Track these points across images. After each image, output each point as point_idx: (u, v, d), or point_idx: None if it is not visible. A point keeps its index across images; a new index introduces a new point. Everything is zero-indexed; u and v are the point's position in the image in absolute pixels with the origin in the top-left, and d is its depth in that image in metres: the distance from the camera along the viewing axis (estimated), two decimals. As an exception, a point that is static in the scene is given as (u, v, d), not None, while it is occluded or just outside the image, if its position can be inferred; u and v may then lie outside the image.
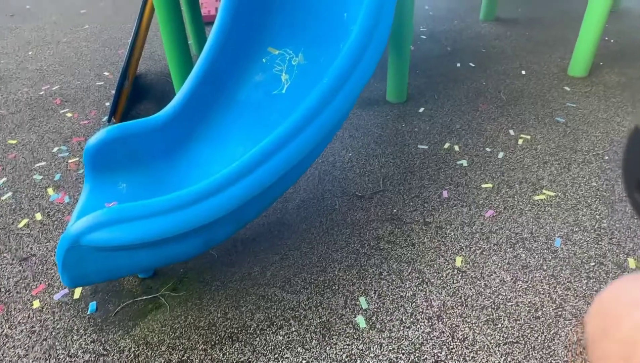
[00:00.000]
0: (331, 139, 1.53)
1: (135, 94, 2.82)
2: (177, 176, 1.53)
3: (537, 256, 1.59)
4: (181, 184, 1.51)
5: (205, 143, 1.57)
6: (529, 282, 1.50)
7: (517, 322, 1.38)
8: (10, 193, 2.00)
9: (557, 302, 1.43)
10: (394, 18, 2.29)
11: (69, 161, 2.23)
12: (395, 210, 1.83)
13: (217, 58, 1.59)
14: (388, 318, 1.40)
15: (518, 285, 1.49)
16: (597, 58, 2.90)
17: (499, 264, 1.57)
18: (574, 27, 3.39)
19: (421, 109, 2.50)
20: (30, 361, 1.33)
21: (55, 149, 2.30)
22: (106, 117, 2.58)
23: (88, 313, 1.46)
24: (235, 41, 1.64)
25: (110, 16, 4.17)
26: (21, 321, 1.44)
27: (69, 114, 2.63)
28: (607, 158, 2.06)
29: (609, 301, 0.29)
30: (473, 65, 2.94)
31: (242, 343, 1.35)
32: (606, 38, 3.21)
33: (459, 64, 2.96)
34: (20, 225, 1.82)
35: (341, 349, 1.32)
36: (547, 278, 1.51)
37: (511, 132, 2.28)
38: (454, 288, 1.49)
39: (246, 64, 1.67)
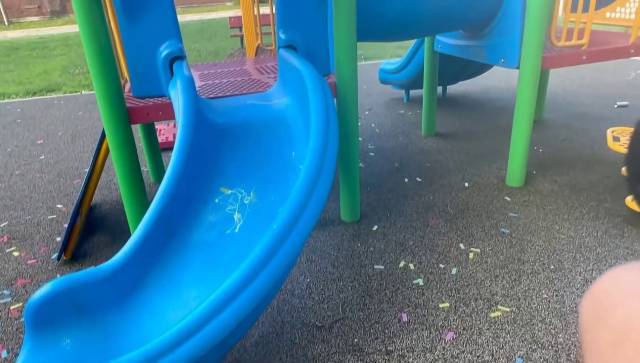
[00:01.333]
0: (286, 276, 1.54)
1: (89, 226, 2.78)
2: (127, 328, 1.46)
3: (500, 382, 1.57)
4: (132, 336, 1.44)
5: (157, 289, 1.54)
6: (496, 413, 1.46)
7: None
8: (-61, 353, 1.83)
9: None
10: (341, 141, 2.47)
11: (11, 307, 2.10)
12: (356, 340, 1.80)
13: (170, 201, 1.62)
14: None
15: (486, 418, 1.44)
16: (530, 167, 3.17)
17: (464, 394, 1.53)
18: (505, 139, 3.74)
19: (375, 227, 2.59)
20: None
21: (-4, 296, 2.17)
22: (56, 254, 2.50)
23: None
24: (189, 183, 1.70)
25: (68, 145, 4.24)
26: None
27: (15, 253, 2.53)
28: (552, 267, 2.16)
29: (603, 290, 0.29)
30: (420, 179, 3.13)
31: None
32: (535, 148, 3.54)
33: (406, 179, 3.15)
34: (-53, 392, 1.65)
35: None
36: (513, 406, 1.48)
37: (461, 246, 2.37)
38: None
39: (199, 205, 1.71)
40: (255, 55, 3.48)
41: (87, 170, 3.06)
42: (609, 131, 2.71)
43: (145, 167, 3.54)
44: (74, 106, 5.73)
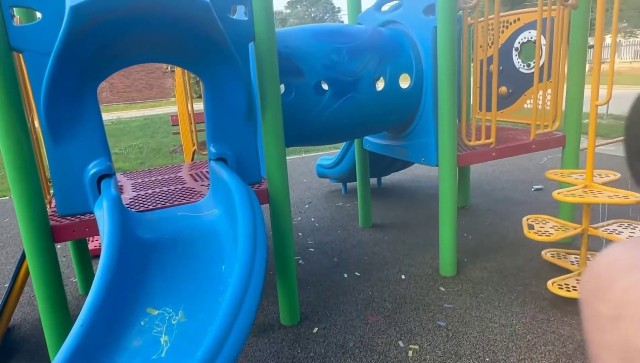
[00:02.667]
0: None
1: (5, 350, 2.53)
2: None
3: None
4: None
5: None
6: None
7: None
8: None
9: None
10: (276, 245, 2.49)
11: None
12: None
13: (90, 330, 1.54)
14: None
15: None
16: (461, 255, 3.32)
17: None
18: (437, 228, 3.92)
19: (315, 329, 2.55)
20: None
21: None
22: (-40, 392, 2.23)
23: None
24: (112, 307, 1.63)
25: (-12, 258, 3.95)
26: None
27: None
28: (487, 359, 2.20)
29: (603, 265, 0.30)
30: (358, 274, 3.18)
31: None
32: (465, 234, 3.74)
33: (346, 275, 3.18)
34: None
35: None
36: None
37: (400, 343, 2.37)
38: None
39: (124, 329, 1.63)
40: (192, 159, 3.55)
41: (7, 285, 2.85)
42: (524, 220, 2.95)
43: (74, 277, 3.35)
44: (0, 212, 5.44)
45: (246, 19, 2.17)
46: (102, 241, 1.75)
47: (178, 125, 8.87)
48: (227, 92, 2.16)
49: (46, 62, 1.81)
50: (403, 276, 3.10)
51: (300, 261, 3.46)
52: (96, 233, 2.08)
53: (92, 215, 2.10)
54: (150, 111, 19.14)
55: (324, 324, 2.60)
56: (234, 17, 2.27)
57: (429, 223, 4.07)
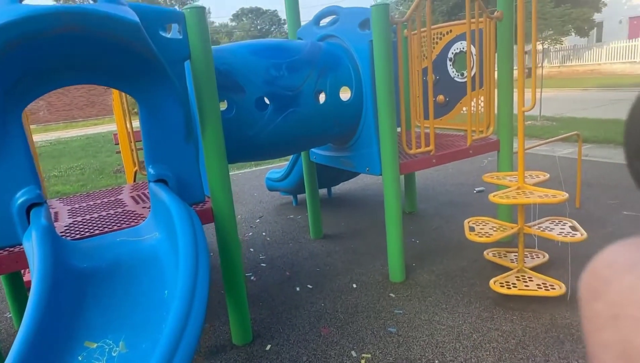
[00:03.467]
0: None
1: None
2: None
3: None
4: None
5: None
6: None
7: None
8: None
9: None
10: (223, 265, 2.45)
11: None
12: None
13: (21, 370, 1.44)
14: None
15: None
16: (409, 260, 3.40)
17: None
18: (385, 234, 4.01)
19: (268, 347, 2.52)
20: None
21: None
22: None
23: None
24: (45, 345, 1.54)
25: None
26: None
27: None
28: (437, 361, 2.27)
29: (602, 264, 0.30)
30: (311, 286, 3.18)
31: None
32: (412, 239, 3.84)
33: (298, 288, 3.17)
34: None
35: None
36: None
37: (353, 353, 2.39)
38: None
39: (59, 367, 1.55)
40: (134, 180, 3.44)
41: None
42: (465, 222, 3.07)
43: (8, 313, 3.13)
44: None
45: (180, 37, 2.15)
46: (32, 274, 1.65)
47: (121, 144, 8.55)
48: (164, 112, 2.12)
49: (-38, 87, 1.70)
50: (354, 285, 3.14)
51: (252, 278, 3.42)
52: (26, 265, 1.96)
53: (21, 247, 1.98)
54: (93, 129, 18.38)
55: (277, 340, 2.58)
56: (169, 35, 2.24)
57: (379, 230, 4.15)
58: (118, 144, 8.77)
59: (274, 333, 2.65)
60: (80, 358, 1.59)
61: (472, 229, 2.96)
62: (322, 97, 2.95)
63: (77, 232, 2.20)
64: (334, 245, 3.91)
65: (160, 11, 2.11)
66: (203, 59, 2.18)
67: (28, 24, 1.62)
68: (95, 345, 1.63)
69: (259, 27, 49.82)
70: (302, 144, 3.10)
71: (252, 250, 3.98)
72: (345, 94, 3.00)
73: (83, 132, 17.40)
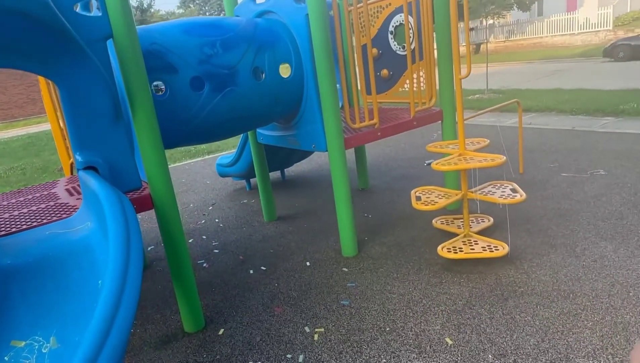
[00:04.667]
0: None
1: None
2: None
3: None
4: None
5: None
6: None
7: None
8: None
9: None
10: (168, 250, 2.38)
11: None
12: None
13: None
14: None
15: None
16: (362, 234, 3.43)
17: None
18: (340, 211, 4.03)
19: (221, 331, 2.48)
20: None
21: None
22: None
23: None
24: (-34, 348, 1.44)
25: None
26: None
27: None
28: (387, 329, 2.30)
29: None
30: (264, 268, 3.15)
31: None
32: (365, 215, 3.87)
33: (251, 271, 3.14)
34: None
35: None
36: None
37: (306, 329, 2.39)
38: None
39: (-17, 370, 1.45)
40: (71, 173, 3.27)
41: None
42: (412, 192, 3.12)
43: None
44: None
45: (100, 14, 2.02)
46: (-54, 275, 1.53)
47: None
48: (87, 94, 2.00)
49: None
50: (308, 263, 3.13)
51: (204, 265, 3.35)
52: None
53: (-63, 248, 1.83)
54: (36, 128, 17.40)
55: (230, 324, 2.54)
56: (91, 14, 2.10)
57: (332, 208, 4.15)
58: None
59: (227, 317, 2.61)
60: (6, 358, 1.50)
61: (418, 198, 3.01)
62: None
63: (2, 229, 2.06)
64: (287, 226, 3.89)
65: (73, -13, 1.96)
66: (126, 37, 2.06)
67: None
68: (23, 344, 1.53)
69: (207, 14, 48.42)
70: (243, 125, 3.03)
71: (204, 237, 3.89)
72: (285, 72, 2.94)
73: (24, 131, 16.45)
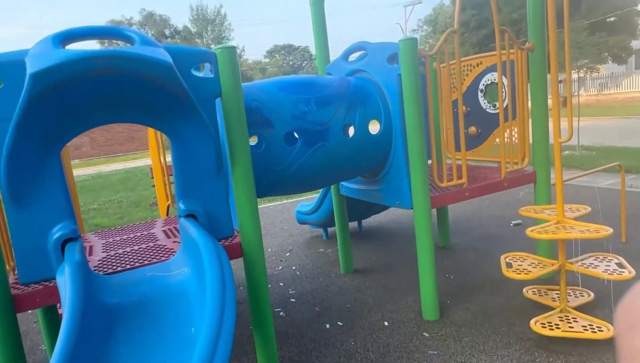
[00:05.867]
0: None
1: None
2: None
3: None
4: None
5: None
6: None
7: None
8: None
9: None
10: (251, 302, 2.42)
11: None
12: None
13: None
14: None
15: None
16: (444, 296, 3.27)
17: None
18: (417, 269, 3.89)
19: (296, 387, 2.44)
20: None
21: None
22: None
23: None
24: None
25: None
26: None
27: None
28: (475, 408, 2.12)
29: (635, 299, 0.29)
30: (341, 323, 3.09)
31: None
32: (446, 275, 3.70)
33: (328, 325, 3.09)
34: None
35: None
36: None
37: (385, 397, 2.28)
38: None
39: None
40: (167, 214, 3.50)
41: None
42: (502, 258, 2.94)
43: (43, 345, 3.18)
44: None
45: (212, 76, 2.21)
46: (63, 309, 1.67)
47: (157, 177, 8.81)
48: (195, 148, 2.16)
49: (6, 128, 1.80)
50: (386, 323, 3.03)
51: (281, 313, 3.36)
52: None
53: (52, 282, 2.02)
54: (132, 163, 19.07)
55: (306, 380, 2.49)
56: (201, 74, 2.31)
57: (411, 264, 4.03)
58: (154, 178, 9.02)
59: (303, 373, 2.57)
60: (106, 397, 1.58)
61: (509, 265, 2.83)
62: (351, 131, 2.95)
63: (110, 266, 2.23)
64: (364, 280, 3.82)
65: (193, 51, 2.18)
66: (233, 97, 2.23)
67: (63, 69, 1.71)
68: (121, 384, 1.61)
69: (291, 62, 51.25)
70: (331, 178, 3.09)
71: (281, 284, 3.93)
72: (374, 128, 2.99)
73: (123, 166, 18.07)
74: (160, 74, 1.86)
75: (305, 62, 50.46)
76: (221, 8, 48.62)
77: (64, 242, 1.98)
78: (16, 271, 2.20)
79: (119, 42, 2.06)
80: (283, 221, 6.09)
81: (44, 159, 1.89)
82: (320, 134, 2.74)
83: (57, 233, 1.96)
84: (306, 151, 2.71)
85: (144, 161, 18.84)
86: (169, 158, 3.56)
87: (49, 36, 1.84)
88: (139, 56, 1.78)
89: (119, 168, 17.46)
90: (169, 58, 1.86)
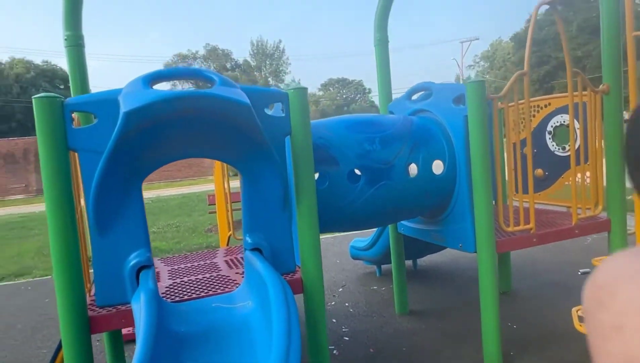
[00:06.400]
0: None
1: None
2: None
3: None
4: None
5: None
6: None
7: None
8: None
9: None
10: (310, 339, 2.41)
11: None
12: None
13: None
14: None
15: None
16: (507, 346, 3.10)
17: None
18: (478, 315, 3.72)
19: None
20: None
21: None
22: None
23: None
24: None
25: (25, 340, 3.99)
26: None
27: None
28: None
29: (604, 275, 0.30)
30: (397, 367, 3.00)
31: None
32: (509, 324, 3.51)
33: (383, 368, 3.01)
34: None
35: None
36: None
37: None
38: None
39: None
40: (227, 244, 3.60)
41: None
42: (573, 311, 2.76)
43: (106, 365, 3.30)
44: (41, 292, 5.57)
45: (283, 115, 2.30)
46: (137, 335, 1.74)
47: (214, 204, 9.13)
48: (264, 184, 2.24)
49: (97, 159, 1.94)
50: (444, 372, 2.90)
51: (334, 352, 3.31)
52: (132, 324, 2.08)
53: (128, 306, 2.11)
54: (188, 189, 19.88)
55: (361, 426, 2.42)
56: (271, 112, 2.41)
57: (470, 309, 3.87)
58: (213, 204, 9.26)
59: (358, 417, 2.49)
60: (172, 426, 1.61)
61: (581, 319, 2.64)
62: (412, 168, 2.94)
63: (176, 294, 2.31)
64: (420, 322, 3.70)
65: (266, 92, 2.29)
66: (302, 135, 2.29)
67: (154, 108, 1.84)
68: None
69: (344, 96, 52.16)
70: (392, 217, 3.07)
71: (334, 320, 3.89)
72: (437, 169, 2.96)
73: (180, 191, 18.88)
74: (238, 114, 1.96)
75: (358, 95, 51.18)
76: (280, 43, 50.70)
77: (139, 269, 2.08)
78: (92, 293, 2.34)
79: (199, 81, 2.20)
80: (335, 255, 6.07)
81: (127, 189, 2.03)
82: (383, 173, 2.74)
83: (133, 260, 2.07)
84: (369, 189, 2.72)
85: (200, 187, 19.60)
86: (232, 184, 3.68)
87: (139, 77, 2.00)
88: (221, 97, 1.89)
89: (177, 192, 18.24)
90: (247, 99, 1.96)
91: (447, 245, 3.14)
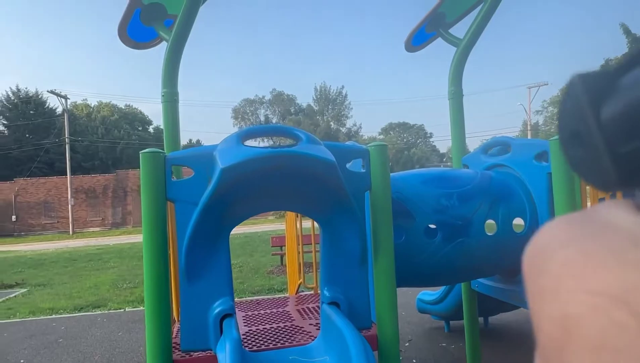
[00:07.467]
0: None
1: None
2: None
3: None
4: None
5: None
6: None
7: None
8: None
9: None
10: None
11: None
12: None
13: None
14: None
15: None
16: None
17: None
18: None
19: None
20: None
21: None
22: None
23: None
24: None
25: (102, 374, 4.18)
26: None
27: None
28: None
29: (542, 241, 0.31)
30: None
31: None
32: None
33: None
34: None
35: None
36: None
37: None
38: None
39: None
40: (297, 292, 3.64)
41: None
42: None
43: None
44: (115, 325, 5.86)
45: (364, 171, 2.35)
46: (222, 386, 1.78)
47: (278, 246, 9.28)
48: (343, 238, 2.27)
49: (192, 210, 2.08)
50: None
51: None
52: (212, 371, 2.13)
53: (209, 353, 2.18)
54: (249, 228, 20.38)
55: None
56: (349, 166, 2.47)
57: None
58: (275, 246, 9.36)
59: None
60: None
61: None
62: (490, 224, 2.85)
63: (254, 343, 2.36)
64: (496, 388, 3.47)
65: (348, 148, 2.37)
66: (382, 191, 2.33)
67: (249, 165, 1.96)
68: None
69: (404, 140, 52.07)
70: (469, 274, 2.97)
71: (402, 378, 3.74)
72: (517, 227, 2.85)
73: (242, 231, 19.39)
74: (324, 171, 2.04)
75: (419, 139, 50.87)
76: (342, 88, 52.14)
77: (222, 318, 2.16)
78: (176, 337, 2.44)
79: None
80: (400, 307, 5.87)
81: (217, 239, 2.14)
82: (461, 229, 2.69)
83: (218, 307, 2.15)
84: (446, 245, 2.67)
85: (261, 227, 20.04)
86: (304, 224, 3.73)
87: (234, 134, 2.15)
88: (309, 155, 1.98)
89: (240, 232, 18.74)
90: (332, 156, 2.04)
91: (526, 307, 2.97)
